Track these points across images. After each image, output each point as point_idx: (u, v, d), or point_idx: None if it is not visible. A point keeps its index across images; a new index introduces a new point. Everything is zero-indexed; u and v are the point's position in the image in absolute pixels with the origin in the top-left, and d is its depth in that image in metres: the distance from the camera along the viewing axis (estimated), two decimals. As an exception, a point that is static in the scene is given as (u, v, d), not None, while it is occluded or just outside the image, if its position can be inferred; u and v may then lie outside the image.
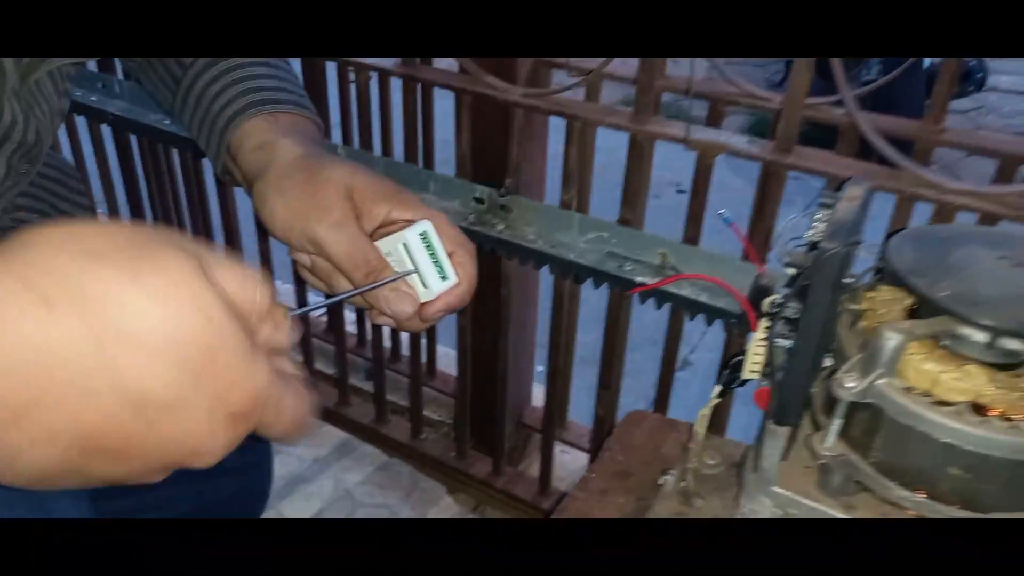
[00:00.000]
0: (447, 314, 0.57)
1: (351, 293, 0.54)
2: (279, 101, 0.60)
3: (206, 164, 1.46)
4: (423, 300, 0.56)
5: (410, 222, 0.55)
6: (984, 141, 0.76)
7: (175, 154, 1.51)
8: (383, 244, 0.55)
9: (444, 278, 0.55)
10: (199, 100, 0.61)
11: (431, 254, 0.55)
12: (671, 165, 0.95)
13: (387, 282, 0.54)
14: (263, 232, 1.46)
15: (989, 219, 0.74)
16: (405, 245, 0.54)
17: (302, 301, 1.50)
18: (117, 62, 1.43)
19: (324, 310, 1.49)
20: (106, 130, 1.51)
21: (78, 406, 0.28)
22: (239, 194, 1.49)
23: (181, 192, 1.56)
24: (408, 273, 0.55)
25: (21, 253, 0.27)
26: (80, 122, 1.55)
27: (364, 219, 0.55)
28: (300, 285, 1.49)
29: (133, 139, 1.51)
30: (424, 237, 0.54)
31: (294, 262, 0.58)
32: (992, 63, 4.10)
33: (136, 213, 1.66)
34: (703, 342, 2.32)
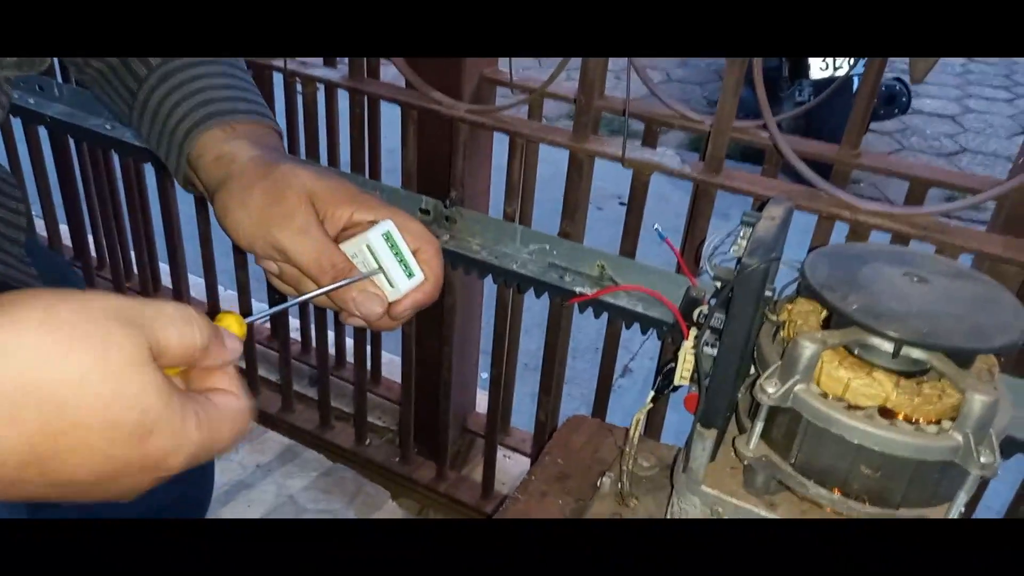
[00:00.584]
0: (416, 311, 0.57)
1: (315, 294, 0.54)
2: (236, 111, 0.60)
3: (147, 168, 1.44)
4: (391, 299, 0.56)
5: (374, 222, 0.55)
6: (897, 166, 0.82)
7: (115, 158, 1.49)
8: (348, 247, 0.55)
9: (410, 275, 0.56)
10: (156, 113, 0.61)
11: (396, 253, 0.55)
12: (615, 178, 0.99)
13: (351, 282, 0.54)
14: (204, 236, 1.45)
15: (900, 238, 0.79)
16: (369, 246, 0.55)
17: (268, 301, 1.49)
18: (57, 67, 1.40)
19: (268, 318, 1.48)
20: (43, 132, 1.48)
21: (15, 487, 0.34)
22: (180, 198, 1.48)
23: (121, 196, 1.54)
24: (372, 273, 0.55)
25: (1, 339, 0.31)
26: (15, 124, 1.51)
27: (327, 223, 0.55)
28: (243, 295, 1.48)
29: (72, 142, 1.48)
30: (387, 237, 0.55)
31: (264, 270, 0.58)
32: (916, 87, 4.28)
33: (73, 218, 1.63)
34: (643, 350, 2.37)
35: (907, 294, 0.54)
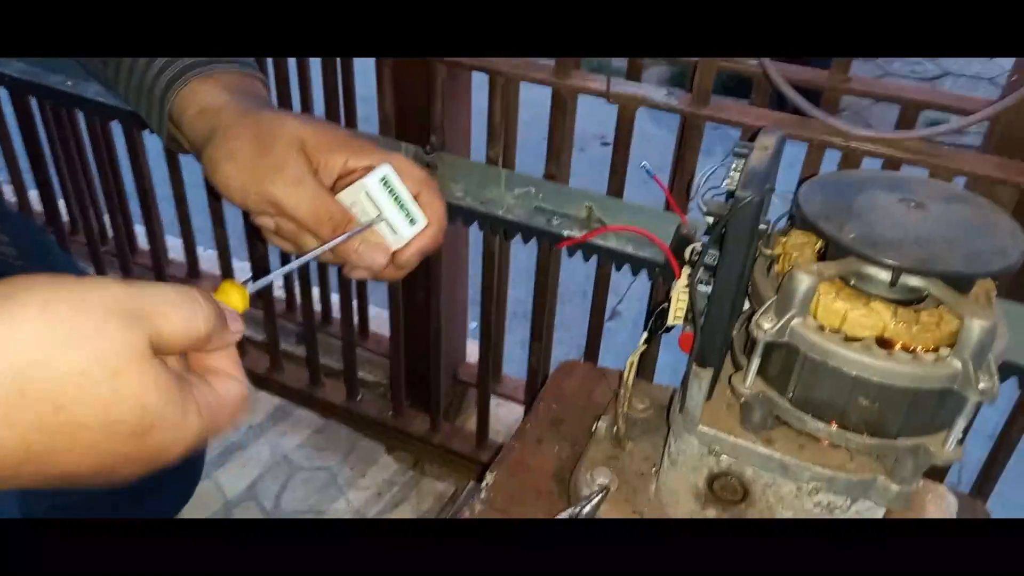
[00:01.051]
0: (422, 257, 0.56)
1: (316, 252, 0.52)
2: (216, 61, 0.57)
3: (115, 127, 1.40)
4: (394, 247, 0.54)
5: (369, 168, 0.53)
6: (887, 89, 0.80)
7: (81, 117, 1.44)
8: (345, 195, 0.53)
9: (412, 222, 0.54)
10: (132, 69, 0.58)
11: (395, 199, 0.53)
12: (595, 118, 0.96)
13: (352, 235, 0.52)
14: (179, 196, 1.42)
15: (892, 164, 0.78)
16: (367, 193, 0.52)
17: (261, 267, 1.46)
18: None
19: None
20: (3, 93, 1.42)
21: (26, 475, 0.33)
22: (152, 155, 1.43)
23: (90, 157, 1.49)
24: (374, 222, 0.53)
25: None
26: (-27, 86, 1.46)
27: (321, 172, 0.53)
28: (222, 253, 1.45)
29: (34, 102, 1.43)
30: (385, 182, 0.52)
31: (259, 227, 0.56)
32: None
33: (42, 181, 1.58)
34: (631, 293, 2.37)
35: (903, 221, 0.53)
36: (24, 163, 1.57)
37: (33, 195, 1.68)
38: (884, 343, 0.52)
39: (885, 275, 0.52)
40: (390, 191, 0.53)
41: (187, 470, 0.88)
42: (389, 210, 0.53)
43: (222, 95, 0.55)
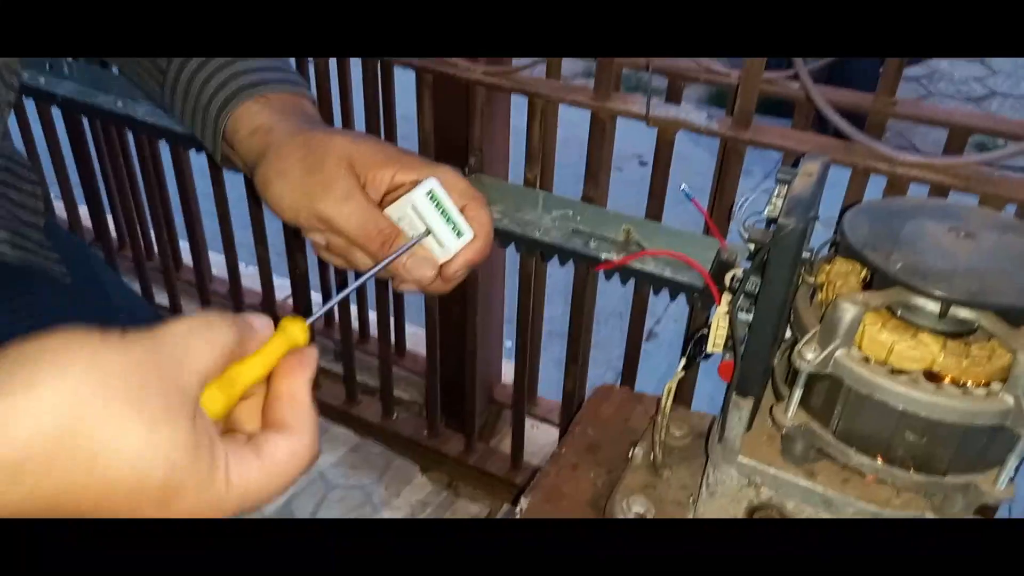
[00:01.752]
0: (469, 270, 0.56)
1: (368, 275, 0.52)
2: (267, 82, 0.58)
3: (163, 145, 1.43)
4: (441, 260, 0.54)
5: (416, 182, 0.53)
6: (935, 113, 0.78)
7: (130, 136, 1.48)
8: (393, 210, 0.54)
9: (459, 234, 0.54)
10: (187, 90, 0.59)
11: (442, 212, 0.53)
12: (633, 138, 0.95)
13: (402, 252, 0.52)
14: (223, 213, 1.44)
15: (940, 191, 0.76)
16: (414, 207, 0.53)
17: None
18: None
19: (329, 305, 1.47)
20: (56, 113, 1.47)
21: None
22: (197, 174, 1.46)
23: (137, 173, 1.53)
24: (422, 237, 0.53)
25: (31, 387, 0.31)
26: (28, 105, 1.51)
27: (369, 187, 0.54)
28: (263, 269, 1.47)
29: (85, 121, 1.47)
30: (432, 196, 0.53)
31: (307, 244, 0.57)
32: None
33: (91, 197, 1.62)
34: (667, 313, 2.35)
35: (953, 250, 0.52)
36: (75, 179, 1.61)
37: (83, 211, 1.73)
38: (932, 376, 0.50)
39: (933, 306, 0.50)
40: (436, 204, 0.53)
41: None
42: (436, 223, 0.53)
43: (273, 115, 0.57)
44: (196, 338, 0.36)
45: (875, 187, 0.81)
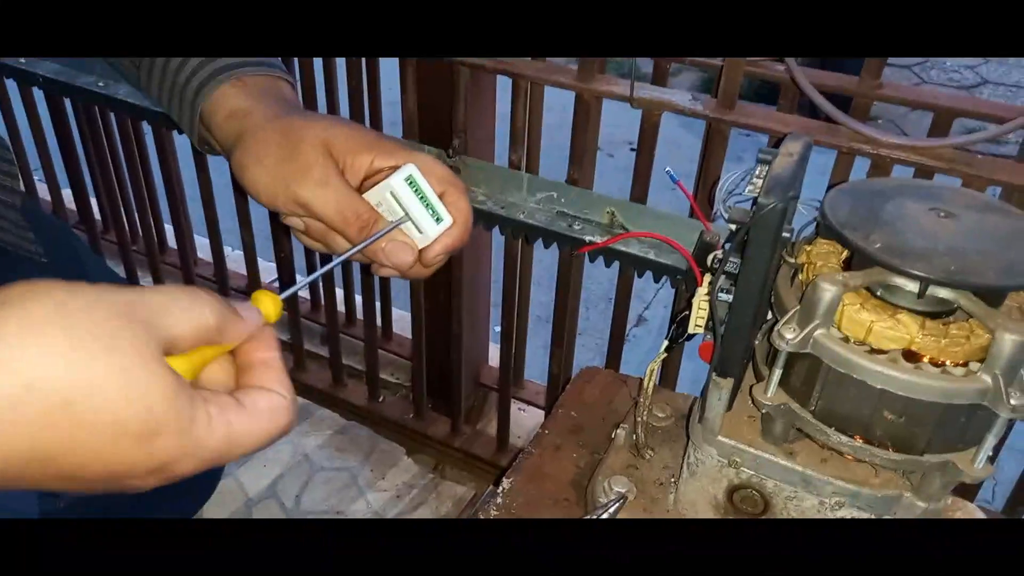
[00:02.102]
0: (448, 255, 0.56)
1: (345, 255, 0.53)
2: (245, 63, 0.58)
3: (146, 127, 1.42)
4: (421, 246, 0.54)
5: (396, 168, 0.53)
6: (920, 95, 0.78)
7: (112, 117, 1.46)
8: (371, 195, 0.54)
9: (438, 220, 0.54)
10: (164, 72, 0.59)
11: (421, 198, 0.53)
12: (625, 123, 0.95)
13: (380, 236, 0.52)
14: (207, 197, 1.43)
15: (924, 172, 0.76)
16: (392, 192, 0.53)
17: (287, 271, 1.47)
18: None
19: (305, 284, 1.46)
20: (38, 94, 1.45)
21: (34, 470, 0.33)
22: (181, 158, 1.45)
23: (121, 156, 1.51)
24: (400, 222, 0.53)
25: (11, 332, 0.31)
26: (10, 85, 1.49)
27: (348, 172, 0.54)
28: (248, 254, 1.46)
29: (68, 103, 1.46)
30: (411, 181, 0.53)
31: (289, 228, 0.57)
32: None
33: (75, 180, 1.61)
34: (658, 298, 2.35)
35: (933, 231, 0.51)
36: (58, 161, 1.60)
37: (67, 193, 1.71)
38: (911, 356, 0.50)
39: (913, 286, 0.50)
40: (415, 190, 0.53)
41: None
42: (415, 209, 0.53)
43: (250, 99, 0.56)
44: (175, 304, 0.36)
45: (860, 171, 0.81)
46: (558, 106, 1.03)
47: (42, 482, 0.33)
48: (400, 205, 0.53)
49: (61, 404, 0.31)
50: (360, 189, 0.54)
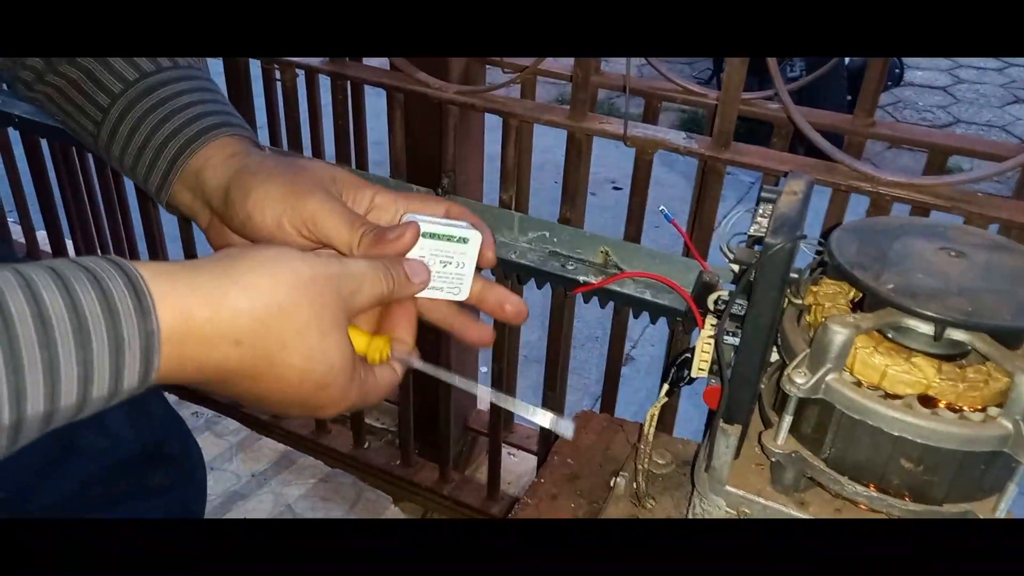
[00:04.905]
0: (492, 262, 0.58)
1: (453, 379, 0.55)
2: (234, 124, 0.59)
3: (125, 170, 1.39)
4: (470, 270, 0.56)
5: (394, 204, 0.56)
6: (914, 134, 0.77)
7: (90, 157, 1.44)
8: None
9: (466, 240, 0.55)
10: (136, 128, 0.58)
11: (443, 236, 0.54)
12: (606, 162, 0.94)
13: (472, 264, 0.55)
14: (187, 242, 1.40)
15: (922, 211, 0.75)
16: (421, 243, 0.53)
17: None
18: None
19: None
20: (14, 135, 1.42)
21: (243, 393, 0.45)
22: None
23: (99, 196, 1.48)
24: (470, 241, 0.55)
25: (228, 294, 0.42)
26: (-14, 128, 1.46)
27: (353, 206, 0.55)
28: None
29: (43, 143, 1.43)
30: (427, 235, 0.53)
31: None
32: (907, 59, 4.25)
33: (50, 222, 1.57)
34: (644, 337, 2.33)
35: (944, 270, 0.50)
36: (33, 203, 1.56)
37: (41, 235, 1.67)
38: (927, 401, 0.48)
39: (926, 328, 0.49)
40: (433, 235, 0.53)
41: (184, 517, 0.85)
42: (448, 248, 0.54)
43: (251, 146, 0.58)
44: (367, 281, 0.47)
45: (853, 209, 0.80)
46: (540, 147, 1.02)
47: (244, 395, 0.44)
48: (444, 240, 0.54)
49: (278, 343, 0.42)
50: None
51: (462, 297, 0.56)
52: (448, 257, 0.54)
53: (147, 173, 0.58)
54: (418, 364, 0.54)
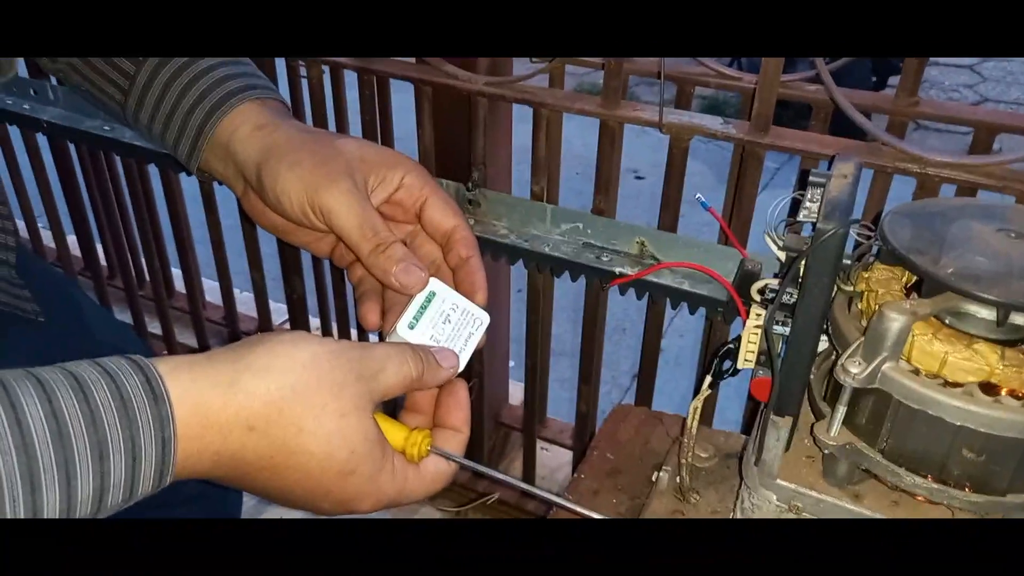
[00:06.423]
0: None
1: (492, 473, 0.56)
2: (256, 86, 0.58)
3: (152, 171, 1.39)
4: (481, 335, 0.58)
5: (421, 185, 0.56)
6: (960, 111, 0.75)
7: (118, 163, 1.44)
8: (419, 335, 0.54)
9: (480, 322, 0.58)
10: (163, 95, 0.58)
11: (451, 314, 0.55)
12: (627, 151, 0.92)
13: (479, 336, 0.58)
14: (216, 239, 1.40)
15: (969, 191, 0.73)
16: (433, 322, 0.54)
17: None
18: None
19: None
20: (42, 141, 1.43)
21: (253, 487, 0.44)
22: (188, 200, 1.43)
23: (127, 199, 1.49)
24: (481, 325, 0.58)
25: (241, 378, 0.41)
26: (13, 132, 1.47)
27: (381, 186, 0.56)
28: (259, 297, 1.43)
29: (72, 147, 1.43)
30: (430, 298, 0.54)
31: (297, 265, 0.59)
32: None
33: (80, 226, 1.58)
34: (673, 327, 2.31)
35: (1006, 253, 0.48)
36: (62, 207, 1.57)
37: (72, 239, 1.69)
38: (989, 388, 0.46)
39: (987, 313, 0.47)
40: (442, 316, 0.55)
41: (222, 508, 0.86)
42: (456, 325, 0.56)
43: (276, 115, 0.57)
44: (391, 363, 0.45)
45: (895, 191, 0.78)
46: (564, 137, 1.01)
47: (262, 488, 0.42)
48: (451, 331, 0.55)
49: (296, 430, 0.41)
50: (389, 202, 0.56)
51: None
52: (457, 332, 0.56)
53: (175, 141, 0.58)
54: (457, 460, 0.52)
